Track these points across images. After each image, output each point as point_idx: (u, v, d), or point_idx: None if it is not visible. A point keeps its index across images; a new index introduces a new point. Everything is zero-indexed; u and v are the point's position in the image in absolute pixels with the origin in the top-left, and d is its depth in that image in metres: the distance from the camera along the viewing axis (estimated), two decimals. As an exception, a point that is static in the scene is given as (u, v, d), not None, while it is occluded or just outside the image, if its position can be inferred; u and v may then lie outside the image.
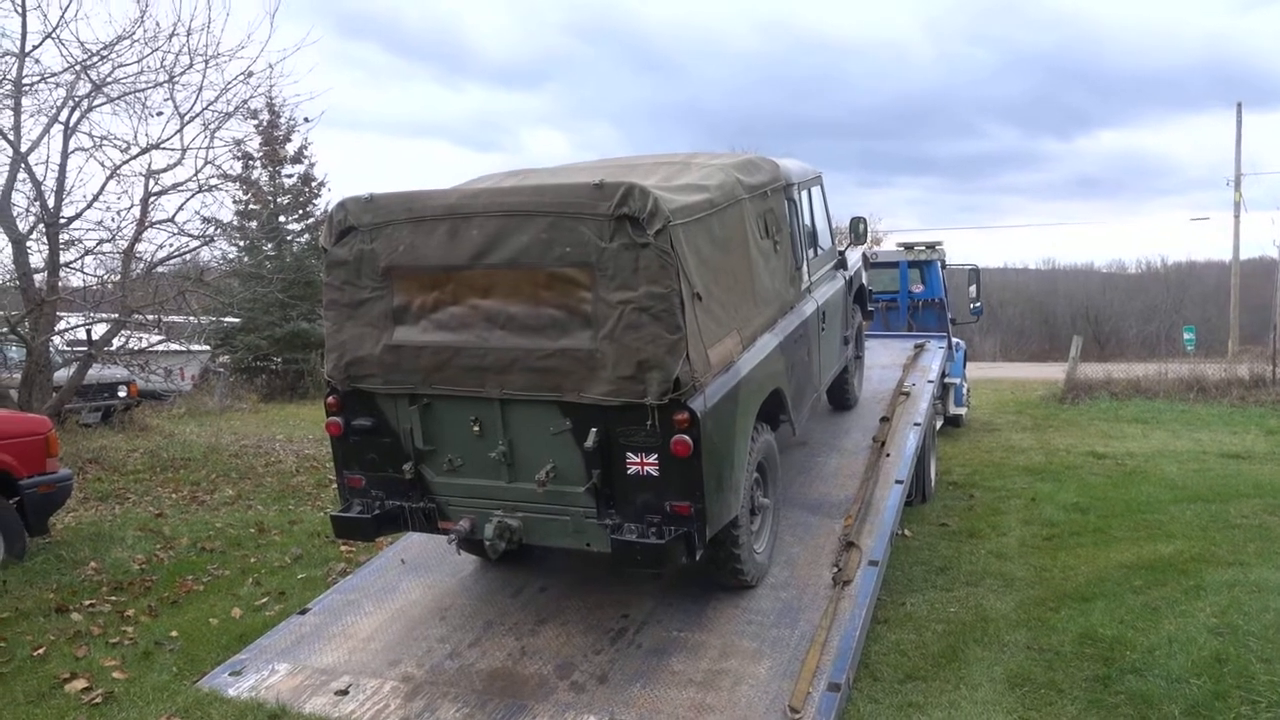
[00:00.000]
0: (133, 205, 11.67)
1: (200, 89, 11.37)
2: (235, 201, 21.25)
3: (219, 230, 14.48)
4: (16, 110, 10.83)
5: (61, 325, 12.40)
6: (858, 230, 7.94)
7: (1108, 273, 62.03)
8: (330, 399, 4.65)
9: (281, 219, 23.82)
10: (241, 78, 11.59)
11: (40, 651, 5.12)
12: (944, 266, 12.71)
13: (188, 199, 12.06)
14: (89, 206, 11.45)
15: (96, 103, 11.14)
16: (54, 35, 10.53)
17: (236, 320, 21.39)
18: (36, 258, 11.44)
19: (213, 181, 12.20)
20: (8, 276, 11.60)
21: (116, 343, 12.45)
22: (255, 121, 17.65)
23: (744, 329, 4.74)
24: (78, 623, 5.54)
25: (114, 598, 6.02)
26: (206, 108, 11.53)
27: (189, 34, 11.14)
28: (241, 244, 21.02)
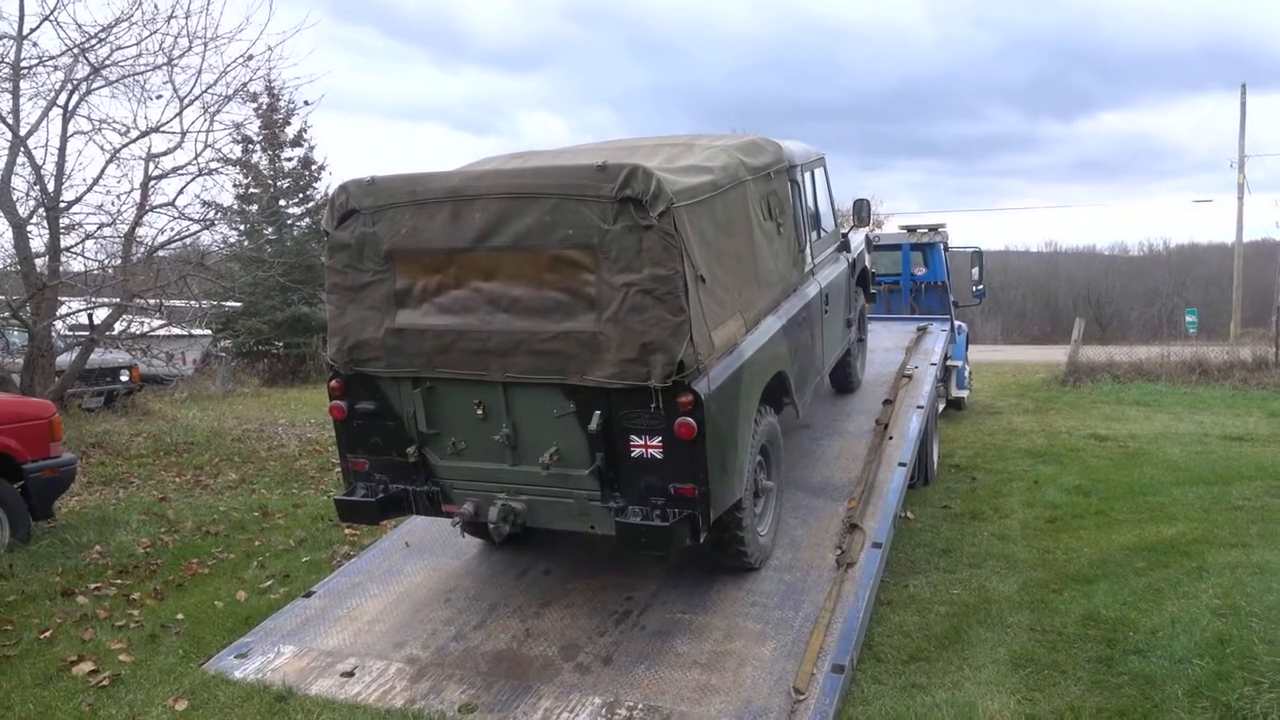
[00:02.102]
0: (133, 189, 11.66)
1: (199, 72, 11.35)
2: (235, 185, 21.22)
3: (219, 214, 14.46)
4: (15, 93, 10.79)
5: (63, 310, 12.38)
6: (861, 213, 7.90)
7: (1110, 255, 62.01)
8: (333, 383, 4.64)
9: (282, 203, 23.74)
10: (241, 60, 11.57)
11: (47, 634, 5.14)
12: (947, 249, 12.67)
13: (188, 183, 12.09)
14: (89, 190, 11.46)
15: (95, 86, 11.11)
16: (52, 18, 10.49)
17: (238, 304, 21.35)
18: (37, 242, 11.44)
19: (213, 165, 12.20)
20: (8, 261, 11.59)
21: (118, 327, 12.46)
22: (255, 105, 17.62)
23: (747, 311, 4.73)
24: (84, 606, 5.56)
25: (119, 581, 6.04)
26: (206, 91, 11.50)
27: (187, 16, 11.17)
28: (242, 228, 20.95)
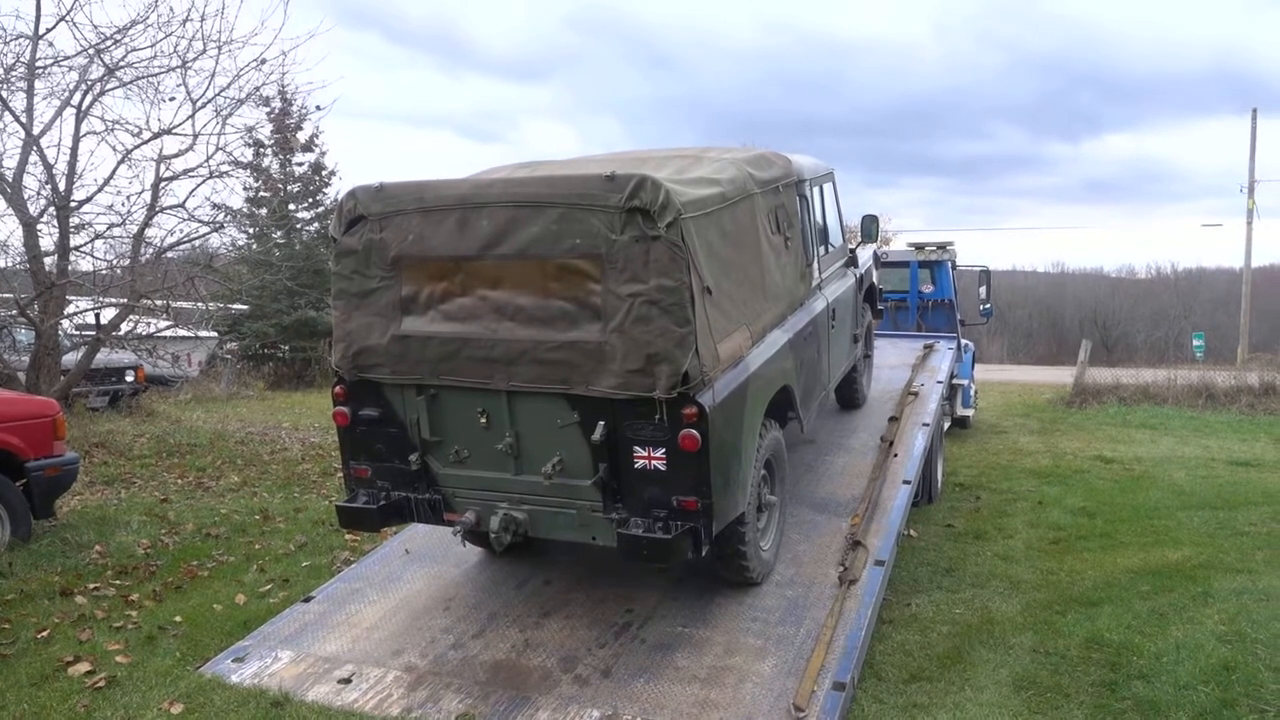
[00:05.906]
0: (143, 190, 11.66)
1: (213, 75, 11.35)
2: (245, 188, 21.25)
3: (229, 217, 14.50)
4: (29, 93, 10.85)
5: (70, 309, 12.40)
6: (869, 229, 7.88)
7: (1117, 277, 62.05)
8: (338, 388, 4.64)
9: (291, 207, 23.80)
10: (254, 64, 11.57)
11: (44, 634, 5.12)
12: (954, 267, 12.65)
13: (198, 185, 12.04)
14: (100, 190, 11.47)
15: (109, 86, 11.14)
16: (68, 18, 10.54)
17: (244, 307, 21.40)
18: (47, 241, 11.45)
19: (224, 168, 12.18)
20: (18, 259, 11.62)
21: (125, 327, 12.46)
22: (267, 109, 17.65)
23: (754, 324, 4.72)
24: (82, 606, 5.54)
25: (118, 582, 6.02)
26: (219, 94, 11.51)
27: (202, 19, 11.19)
28: (251, 231, 21.01)
